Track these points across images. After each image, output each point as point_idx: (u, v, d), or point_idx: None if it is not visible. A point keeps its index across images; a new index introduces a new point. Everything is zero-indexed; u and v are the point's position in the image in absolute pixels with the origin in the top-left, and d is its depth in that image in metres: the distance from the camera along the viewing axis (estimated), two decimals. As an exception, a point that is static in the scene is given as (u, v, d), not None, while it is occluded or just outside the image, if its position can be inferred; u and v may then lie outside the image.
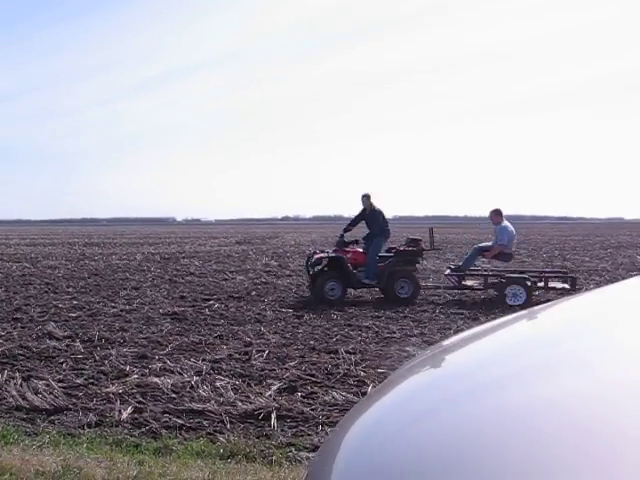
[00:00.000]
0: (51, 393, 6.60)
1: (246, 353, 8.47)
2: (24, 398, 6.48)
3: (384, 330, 10.15)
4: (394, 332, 9.98)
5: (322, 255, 13.96)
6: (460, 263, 14.94)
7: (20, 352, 8.57)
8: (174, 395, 6.60)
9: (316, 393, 6.73)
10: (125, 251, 32.85)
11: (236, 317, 11.43)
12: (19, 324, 10.81)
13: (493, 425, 1.48)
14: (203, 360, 8.03)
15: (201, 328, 10.40)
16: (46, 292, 15.44)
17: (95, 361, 8.11)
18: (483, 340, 2.26)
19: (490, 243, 14.76)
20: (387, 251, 14.33)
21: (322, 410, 6.18)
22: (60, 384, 7.02)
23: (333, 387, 6.93)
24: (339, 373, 7.44)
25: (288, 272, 20.18)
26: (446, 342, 2.40)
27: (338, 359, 8.11)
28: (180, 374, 7.33)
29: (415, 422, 1.62)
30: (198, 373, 7.39)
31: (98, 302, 13.48)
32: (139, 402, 6.35)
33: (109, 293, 15.16)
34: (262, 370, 7.60)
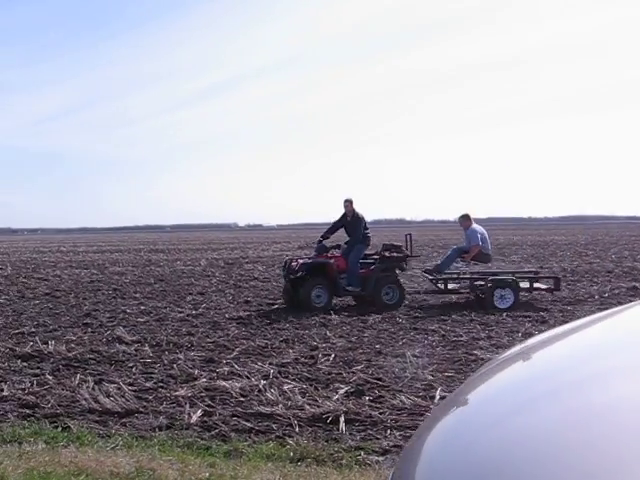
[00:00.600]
0: (122, 396, 6.71)
1: (312, 357, 8.48)
2: (96, 401, 6.60)
3: (450, 334, 10.03)
4: (461, 335, 9.85)
5: (308, 261, 13.48)
6: (437, 262, 15.00)
7: (91, 356, 8.76)
8: (242, 399, 6.63)
9: (384, 397, 6.67)
10: (189, 257, 33.33)
11: (301, 321, 11.45)
12: (89, 329, 11.06)
13: (576, 425, 1.46)
14: (270, 364, 8.06)
15: (267, 332, 10.46)
16: (114, 297, 15.78)
17: (164, 365, 8.22)
18: (562, 342, 2.21)
19: (462, 246, 14.60)
20: (365, 257, 13.86)
21: (390, 414, 6.12)
22: (130, 387, 7.14)
23: (401, 391, 6.86)
24: (406, 377, 7.37)
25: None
26: (525, 344, 2.35)
27: (405, 363, 8.04)
28: (248, 378, 7.37)
29: (498, 423, 1.60)
30: (265, 377, 7.42)
31: (165, 307, 13.71)
32: (208, 405, 6.40)
33: (175, 298, 15.40)
34: (329, 374, 7.58)
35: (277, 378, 7.39)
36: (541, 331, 9.82)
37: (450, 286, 13.83)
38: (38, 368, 8.26)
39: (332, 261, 13.39)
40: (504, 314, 11.87)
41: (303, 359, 8.39)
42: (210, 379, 7.41)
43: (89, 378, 7.56)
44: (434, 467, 1.52)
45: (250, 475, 4.44)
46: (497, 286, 12.87)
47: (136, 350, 9.12)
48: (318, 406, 6.30)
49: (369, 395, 6.74)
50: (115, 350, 9.11)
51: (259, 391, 6.85)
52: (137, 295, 16.11)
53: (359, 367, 7.84)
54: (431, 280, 14.16)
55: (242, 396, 6.70)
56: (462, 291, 13.99)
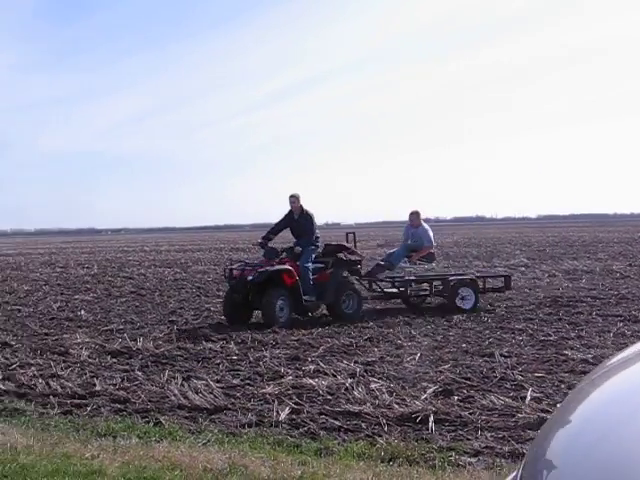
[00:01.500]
0: (210, 393, 6.78)
1: (398, 356, 8.40)
2: (185, 397, 6.70)
3: (539, 333, 9.77)
4: (549, 335, 9.58)
5: (269, 267, 11.40)
6: (379, 261, 14.19)
7: (178, 353, 8.91)
8: (329, 397, 6.61)
9: (473, 397, 6.54)
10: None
11: (385, 320, 11.36)
12: (175, 326, 11.24)
13: None
14: (355, 362, 8.02)
15: (351, 331, 10.43)
16: (198, 296, 16.04)
17: (250, 362, 8.28)
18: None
19: (410, 244, 13.86)
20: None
21: (480, 414, 5.98)
22: (218, 384, 7.21)
23: (490, 391, 6.71)
24: (495, 377, 7.21)
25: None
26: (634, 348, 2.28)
27: (493, 362, 7.88)
28: (334, 376, 7.35)
29: (626, 421, 1.56)
30: (351, 375, 7.38)
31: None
32: (296, 403, 6.41)
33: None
34: (415, 373, 7.48)
35: (363, 377, 7.34)
36: (634, 331, 9.54)
37: (389, 290, 13.22)
38: (127, 364, 8.44)
39: (290, 268, 11.57)
40: (593, 313, 11.50)
41: (389, 358, 8.32)
42: (296, 377, 7.42)
43: (177, 375, 7.68)
44: (563, 464, 1.51)
45: (342, 474, 4.41)
46: (460, 287, 12.53)
47: (222, 347, 9.23)
48: (406, 405, 6.23)
49: (458, 395, 6.62)
50: (202, 347, 9.24)
51: (346, 389, 6.82)
52: (220, 293, 16.30)
53: (446, 366, 7.72)
54: (369, 282, 13.38)
55: (329, 394, 6.68)
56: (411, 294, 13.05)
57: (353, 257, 12.44)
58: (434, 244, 13.79)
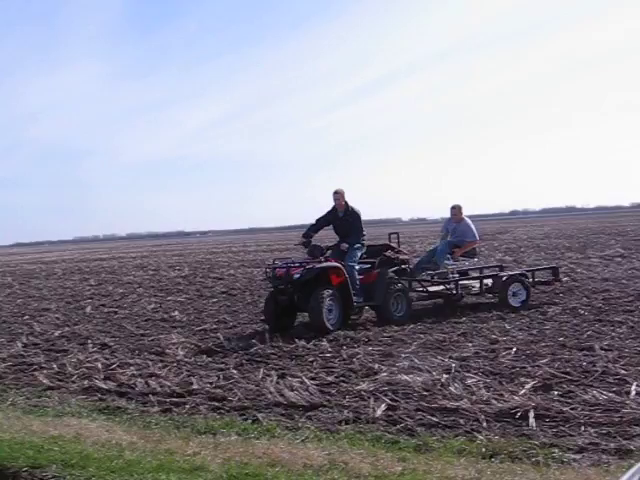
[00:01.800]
0: (306, 390, 6.82)
1: (493, 350, 8.24)
2: (281, 395, 6.75)
3: (640, 325, 9.40)
4: (652, 327, 9.21)
5: (316, 264, 10.67)
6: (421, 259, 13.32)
7: (272, 352, 8.99)
8: (425, 393, 6.54)
9: (573, 392, 6.35)
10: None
11: (478, 314, 11.18)
12: (266, 326, 11.33)
13: None
14: (450, 358, 7.91)
15: (443, 326, 10.30)
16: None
17: (343, 359, 8.28)
18: None
19: (452, 240, 13.05)
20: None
21: (583, 410, 5.81)
22: (313, 381, 7.24)
23: (591, 386, 6.51)
24: (596, 371, 6.97)
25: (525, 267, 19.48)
26: None
27: (593, 356, 7.62)
28: (429, 372, 7.26)
29: None
30: (447, 371, 7.27)
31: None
32: (392, 400, 6.37)
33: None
34: (512, 368, 7.32)
35: (459, 372, 7.22)
36: None
37: (434, 288, 12.45)
38: (222, 363, 8.58)
39: (339, 265, 10.90)
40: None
41: (484, 353, 8.17)
42: (390, 373, 7.37)
43: (272, 372, 7.75)
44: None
45: (444, 470, 4.34)
46: (511, 283, 11.92)
47: (315, 345, 9.26)
48: (505, 401, 6.10)
49: (558, 390, 6.44)
50: (294, 345, 9.30)
51: (442, 385, 6.73)
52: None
53: (544, 361, 7.51)
54: (408, 282, 12.21)
55: (425, 390, 6.61)
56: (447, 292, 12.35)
57: (399, 256, 11.96)
58: (478, 238, 13.20)
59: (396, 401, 6.33)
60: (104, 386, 7.76)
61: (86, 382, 8.02)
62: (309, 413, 6.24)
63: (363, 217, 11.59)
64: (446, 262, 12.40)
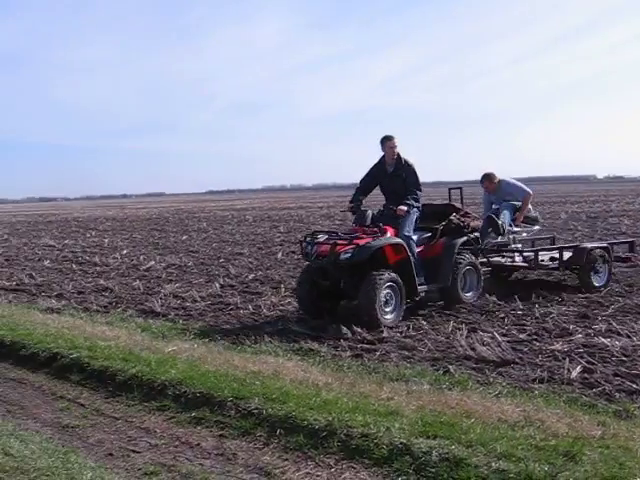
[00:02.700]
0: (498, 346, 6.75)
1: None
2: (472, 348, 6.73)
3: None
4: None
5: (371, 242, 8.23)
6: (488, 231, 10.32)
7: (462, 306, 8.94)
8: (624, 358, 6.27)
9: None
10: (548, 210, 32.36)
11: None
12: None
13: None
14: (652, 323, 7.51)
15: (643, 291, 9.74)
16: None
17: (536, 318, 8.11)
18: None
19: (514, 202, 10.62)
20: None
21: None
22: (504, 338, 7.16)
23: None
24: None
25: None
26: None
27: None
28: (628, 337, 6.95)
29: None
30: (648, 337, 6.92)
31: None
32: (588, 362, 6.17)
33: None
34: None
35: (662, 339, 6.85)
36: None
37: (505, 259, 10.66)
38: (412, 315, 8.63)
39: (399, 241, 8.53)
40: None
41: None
42: (586, 335, 7.15)
43: (462, 326, 7.74)
44: None
45: (648, 439, 4.17)
46: (595, 257, 9.96)
47: (506, 302, 9.11)
48: None
49: None
50: (485, 301, 9.21)
51: (643, 351, 6.43)
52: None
53: None
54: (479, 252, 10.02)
55: (624, 355, 6.35)
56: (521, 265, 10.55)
57: (469, 221, 9.49)
58: (531, 192, 10.84)
59: (592, 364, 6.12)
60: (297, 329, 8.11)
61: (280, 324, 8.42)
62: (500, 369, 6.19)
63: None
64: (513, 229, 10.50)
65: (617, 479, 3.46)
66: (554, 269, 10.49)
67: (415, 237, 8.81)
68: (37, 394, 5.96)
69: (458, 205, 9.82)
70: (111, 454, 4.53)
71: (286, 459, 4.25)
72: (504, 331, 7.54)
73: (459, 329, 7.61)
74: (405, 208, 8.69)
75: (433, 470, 3.77)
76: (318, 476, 3.97)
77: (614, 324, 7.51)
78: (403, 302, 8.32)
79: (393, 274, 8.17)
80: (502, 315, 8.37)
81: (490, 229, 10.10)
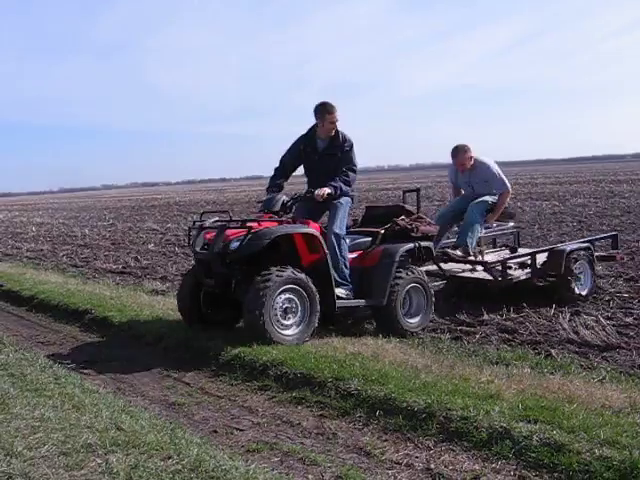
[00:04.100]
0: (602, 330, 6.57)
1: None
2: (575, 332, 6.60)
3: None
4: None
5: (271, 227, 6.35)
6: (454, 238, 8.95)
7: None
8: None
9: None
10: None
11: None
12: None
13: None
14: None
15: None
16: (579, 229, 15.50)
17: (642, 301, 7.85)
18: None
19: (488, 198, 8.69)
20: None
21: None
22: (609, 322, 6.98)
23: None
24: None
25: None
26: None
27: None
28: None
29: None
30: None
31: (636, 240, 13.02)
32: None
33: (645, 231, 14.53)
34: None
35: None
36: None
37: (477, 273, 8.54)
38: (513, 296, 8.44)
39: (313, 231, 6.56)
40: None
41: None
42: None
43: (565, 309, 7.58)
44: None
45: None
46: (575, 260, 8.27)
47: (611, 284, 8.85)
48: None
49: None
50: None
51: None
52: (603, 227, 15.60)
53: None
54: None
55: None
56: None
57: (422, 226, 7.35)
58: (510, 188, 9.04)
59: None
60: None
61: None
62: (605, 354, 6.06)
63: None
64: (483, 231, 8.73)
65: None
66: (528, 279, 8.48)
67: (348, 240, 6.99)
68: (145, 373, 6.21)
69: (410, 207, 7.80)
70: (215, 431, 4.68)
71: (385, 440, 4.29)
72: (609, 314, 7.36)
73: (561, 312, 7.45)
74: (328, 190, 6.80)
75: (534, 455, 3.73)
76: (417, 457, 3.99)
77: None
78: (315, 315, 6.40)
79: (298, 274, 6.24)
80: (607, 298, 8.14)
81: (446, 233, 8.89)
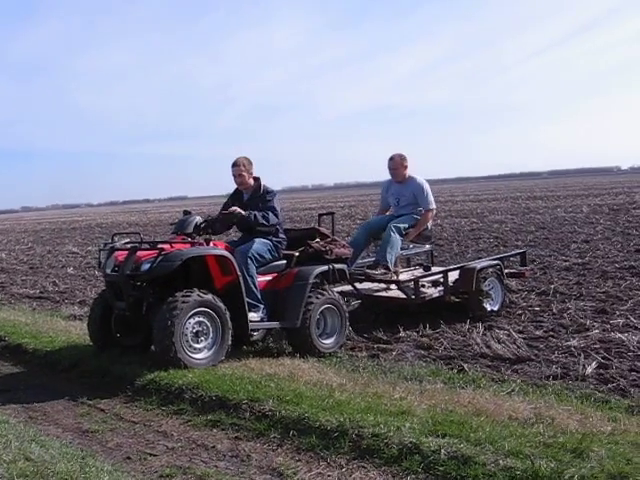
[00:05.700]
0: (513, 343, 6.77)
1: None
2: (488, 346, 6.76)
3: None
4: None
5: (183, 249, 6.38)
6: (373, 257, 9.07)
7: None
8: (640, 353, 6.27)
9: None
10: (570, 203, 32.22)
11: None
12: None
13: None
14: (670, 318, 7.48)
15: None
16: (496, 246, 15.90)
17: (553, 314, 8.13)
18: None
19: (407, 221, 8.73)
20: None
21: None
22: (520, 335, 7.18)
23: None
24: None
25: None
26: None
27: None
28: (645, 331, 6.94)
29: None
30: (666, 331, 6.90)
31: (549, 255, 13.45)
32: (604, 358, 6.17)
33: (558, 246, 15.04)
34: None
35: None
36: None
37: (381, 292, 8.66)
38: (428, 312, 8.57)
39: (225, 253, 6.63)
40: None
41: None
42: (603, 330, 7.16)
43: (479, 324, 7.75)
44: None
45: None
46: (485, 278, 8.44)
47: (523, 298, 9.11)
48: None
49: None
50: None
51: (660, 346, 6.41)
52: (518, 243, 16.06)
53: None
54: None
55: (640, 350, 6.34)
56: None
57: (336, 249, 7.45)
58: (435, 207, 9.18)
59: (608, 359, 6.13)
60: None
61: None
62: (515, 366, 6.22)
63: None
64: (402, 251, 8.77)
65: (624, 475, 3.47)
66: (438, 297, 8.48)
67: (260, 263, 6.99)
68: (59, 401, 6.06)
69: (325, 230, 7.84)
70: (129, 457, 4.60)
71: (299, 460, 4.30)
72: (520, 328, 7.57)
73: (475, 327, 7.62)
74: (239, 209, 7.03)
75: (441, 468, 3.80)
76: (329, 476, 4.02)
77: (632, 319, 7.52)
78: (227, 334, 6.35)
79: (205, 296, 6.20)
80: (519, 312, 8.37)
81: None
